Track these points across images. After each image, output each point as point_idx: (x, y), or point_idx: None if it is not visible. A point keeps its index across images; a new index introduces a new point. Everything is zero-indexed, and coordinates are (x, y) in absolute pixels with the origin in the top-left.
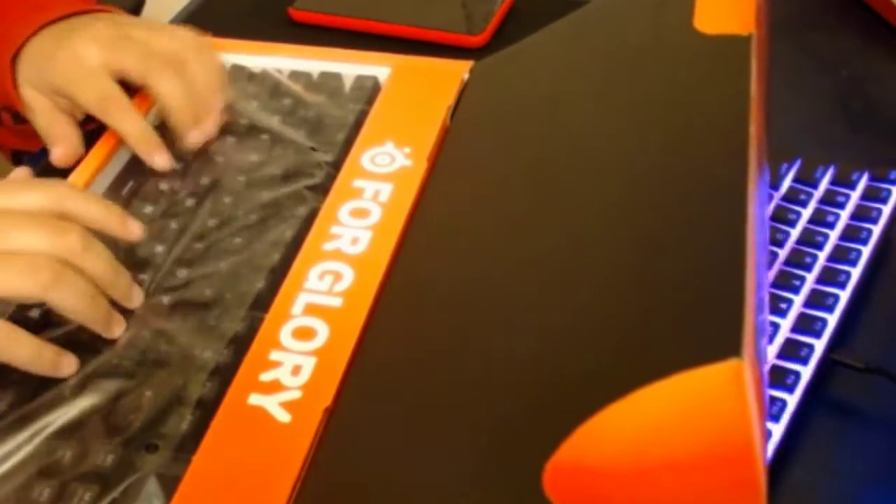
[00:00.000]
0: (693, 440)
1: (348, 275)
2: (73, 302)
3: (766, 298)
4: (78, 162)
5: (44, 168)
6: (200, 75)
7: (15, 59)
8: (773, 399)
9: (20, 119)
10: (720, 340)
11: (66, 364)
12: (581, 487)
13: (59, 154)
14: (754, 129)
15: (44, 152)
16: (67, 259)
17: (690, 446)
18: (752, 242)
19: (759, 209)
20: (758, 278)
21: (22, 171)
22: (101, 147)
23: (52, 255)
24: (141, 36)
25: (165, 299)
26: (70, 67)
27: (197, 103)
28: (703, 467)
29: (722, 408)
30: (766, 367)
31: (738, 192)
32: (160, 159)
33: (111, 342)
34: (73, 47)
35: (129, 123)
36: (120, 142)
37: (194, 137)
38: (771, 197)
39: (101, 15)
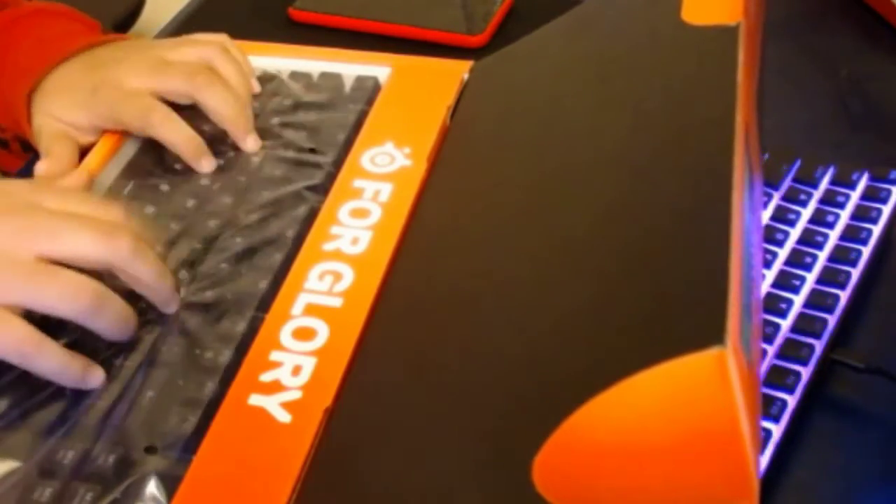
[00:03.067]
0: (680, 428)
1: (348, 275)
2: (108, 329)
3: (761, 299)
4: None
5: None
6: (232, 75)
7: (31, 92)
8: (773, 399)
9: (29, 148)
10: (704, 329)
11: (94, 376)
12: (570, 478)
13: (45, 167)
14: (741, 118)
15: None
16: (114, 264)
17: (677, 435)
18: (738, 233)
19: (748, 199)
20: (750, 277)
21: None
22: (101, 147)
23: (99, 262)
24: (173, 56)
25: None
26: (115, 96)
27: (243, 108)
28: (691, 455)
29: (707, 395)
30: (765, 367)
31: (725, 184)
32: (206, 163)
33: (112, 342)
34: (116, 79)
35: (174, 132)
36: (119, 140)
37: (251, 143)
38: (770, 196)
39: (122, 44)
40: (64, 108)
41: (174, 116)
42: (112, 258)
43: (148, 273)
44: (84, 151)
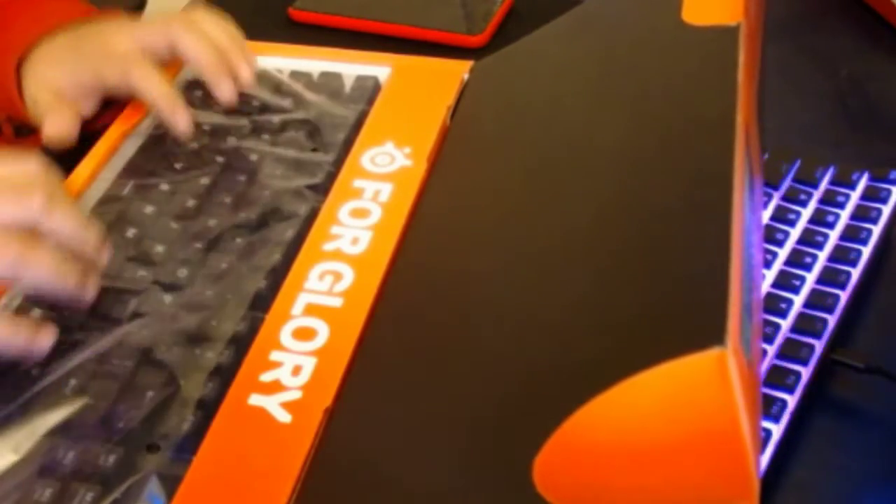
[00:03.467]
0: (680, 429)
1: (348, 275)
2: (43, 278)
3: (761, 299)
4: (76, 160)
5: (61, 151)
6: (216, 30)
7: (21, 65)
8: (773, 399)
9: (22, 132)
10: (704, 330)
11: (44, 336)
12: (570, 479)
13: (50, 130)
14: (742, 118)
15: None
16: (29, 222)
17: (678, 435)
18: (738, 233)
19: (748, 199)
20: (750, 278)
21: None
22: (101, 146)
23: (15, 222)
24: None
25: (166, 299)
26: (99, 51)
27: (223, 57)
28: (692, 456)
29: (707, 396)
30: (765, 367)
31: (725, 184)
32: (181, 119)
33: (111, 342)
34: (99, 41)
35: (153, 86)
36: (119, 140)
37: (226, 91)
38: (770, 196)
39: (113, 19)
40: (49, 72)
41: (154, 72)
42: (25, 215)
43: (67, 226)
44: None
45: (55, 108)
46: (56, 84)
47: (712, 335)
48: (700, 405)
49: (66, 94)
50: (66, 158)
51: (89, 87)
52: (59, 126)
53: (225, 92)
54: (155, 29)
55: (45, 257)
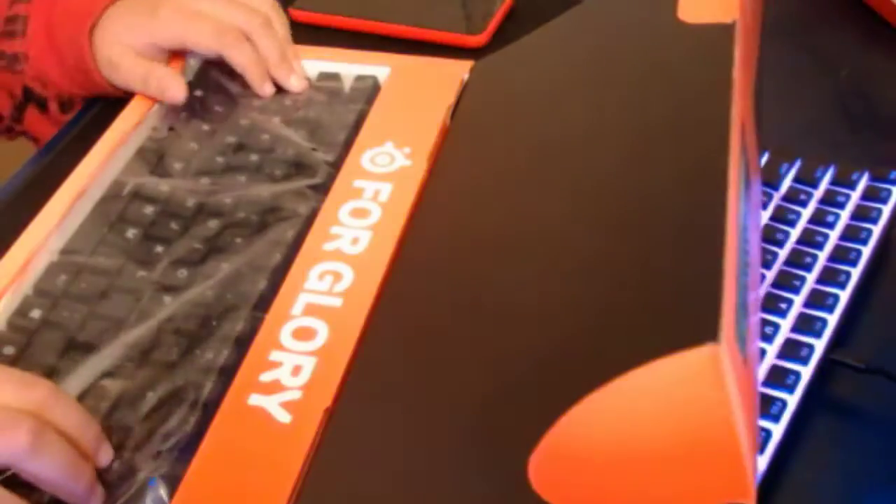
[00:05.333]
0: (675, 425)
1: (348, 275)
2: (53, 470)
3: (759, 299)
4: (76, 159)
5: (61, 150)
6: (283, 29)
7: (92, 31)
8: (773, 399)
9: (66, 109)
10: (698, 326)
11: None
12: (565, 476)
13: (176, 90)
14: (737, 115)
15: (58, 138)
16: (38, 413)
17: (672, 432)
18: (733, 230)
19: (744, 196)
20: (746, 276)
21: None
22: (101, 146)
23: (24, 409)
24: None
25: (166, 299)
26: (179, 16)
27: (279, 59)
28: (686, 453)
29: (701, 392)
30: (765, 367)
31: (720, 181)
32: (269, 87)
33: (111, 343)
34: (177, 3)
35: (244, 54)
36: (119, 141)
37: (296, 82)
38: (770, 196)
39: None
40: (125, 30)
41: (245, 40)
42: (34, 407)
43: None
44: None
45: (157, 70)
46: (132, 45)
47: (706, 331)
48: (693, 401)
49: (143, 55)
50: (67, 158)
51: (165, 48)
52: (179, 88)
53: (294, 84)
54: (242, 18)
55: (60, 448)
